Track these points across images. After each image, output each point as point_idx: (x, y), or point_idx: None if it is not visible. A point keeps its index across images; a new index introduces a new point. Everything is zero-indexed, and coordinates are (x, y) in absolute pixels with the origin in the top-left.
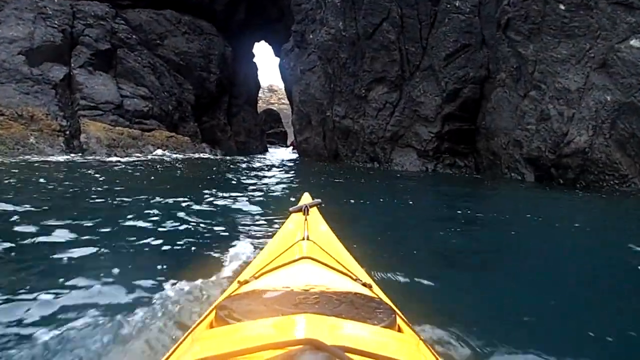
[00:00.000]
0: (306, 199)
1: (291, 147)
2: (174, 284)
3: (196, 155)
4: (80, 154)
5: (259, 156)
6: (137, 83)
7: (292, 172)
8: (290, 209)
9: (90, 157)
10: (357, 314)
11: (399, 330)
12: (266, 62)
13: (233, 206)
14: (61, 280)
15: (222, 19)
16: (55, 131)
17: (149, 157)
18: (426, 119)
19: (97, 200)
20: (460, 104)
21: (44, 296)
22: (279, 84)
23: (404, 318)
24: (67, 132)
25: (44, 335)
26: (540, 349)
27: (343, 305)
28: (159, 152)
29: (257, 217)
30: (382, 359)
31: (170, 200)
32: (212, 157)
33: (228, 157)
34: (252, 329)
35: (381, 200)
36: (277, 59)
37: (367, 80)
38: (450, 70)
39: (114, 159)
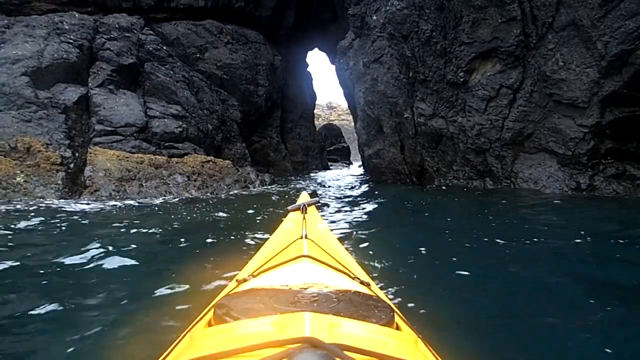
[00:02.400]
0: (304, 197)
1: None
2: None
3: (234, 192)
4: (76, 197)
5: (314, 175)
6: (169, 100)
7: (352, 207)
8: (289, 207)
9: (84, 202)
10: (356, 312)
11: (397, 328)
12: (323, 76)
13: None
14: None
15: (269, 25)
16: (54, 165)
17: (158, 200)
18: (572, 105)
19: None
20: (630, 76)
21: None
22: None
23: (402, 316)
24: (72, 165)
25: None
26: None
27: (341, 303)
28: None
29: None
30: (381, 356)
31: None
32: (252, 188)
33: (273, 187)
34: (251, 327)
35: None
36: (334, 68)
37: (467, 57)
38: (612, 23)
39: (113, 203)
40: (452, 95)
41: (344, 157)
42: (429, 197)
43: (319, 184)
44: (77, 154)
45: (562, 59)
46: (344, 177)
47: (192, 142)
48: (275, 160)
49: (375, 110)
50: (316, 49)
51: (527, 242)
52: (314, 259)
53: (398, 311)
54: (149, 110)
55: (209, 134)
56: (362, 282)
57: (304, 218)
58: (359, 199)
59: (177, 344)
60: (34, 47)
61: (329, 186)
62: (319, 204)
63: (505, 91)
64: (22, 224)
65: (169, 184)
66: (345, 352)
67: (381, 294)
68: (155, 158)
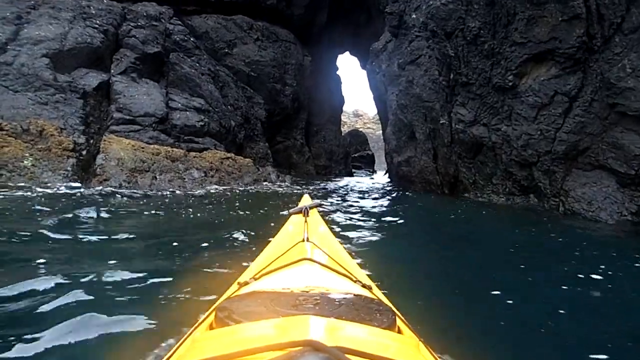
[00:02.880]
0: (306, 200)
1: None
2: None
3: (250, 189)
4: (86, 183)
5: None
6: (192, 93)
7: (377, 216)
8: (290, 210)
9: (97, 188)
10: (357, 315)
11: (399, 331)
12: (351, 83)
13: None
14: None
15: (301, 24)
16: (66, 150)
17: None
18: (639, 118)
19: None
20: None
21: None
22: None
23: (403, 319)
24: (84, 152)
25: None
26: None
27: (343, 306)
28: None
29: None
30: None
31: None
32: (272, 187)
33: (295, 188)
34: (252, 330)
35: None
36: (363, 75)
37: (518, 59)
38: None
39: (124, 191)
40: (497, 101)
41: (368, 165)
42: (463, 211)
43: (342, 188)
44: (91, 141)
45: (630, 65)
46: (369, 184)
47: (213, 137)
48: (298, 163)
49: (409, 114)
50: (347, 53)
51: (581, 287)
52: (315, 262)
53: (400, 314)
54: (170, 102)
55: (231, 131)
56: (363, 286)
57: (306, 221)
58: (384, 207)
59: (178, 347)
60: (57, 29)
61: (352, 190)
62: (321, 208)
63: (560, 98)
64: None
65: (184, 178)
66: (347, 356)
67: (383, 297)
68: (173, 151)
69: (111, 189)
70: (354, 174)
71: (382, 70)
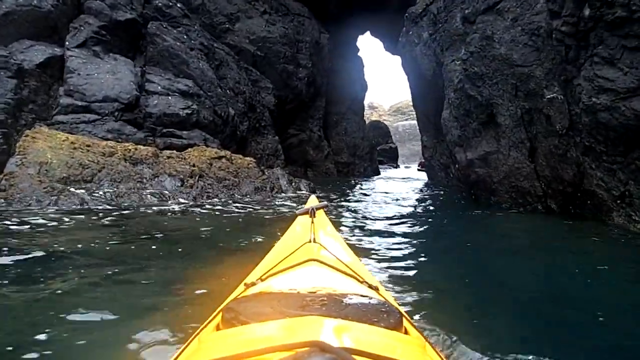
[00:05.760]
0: (313, 201)
1: (419, 166)
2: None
3: (243, 207)
4: None
5: (365, 187)
6: (178, 73)
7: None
8: (297, 211)
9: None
10: (364, 316)
11: (406, 332)
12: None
13: None
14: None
15: None
16: None
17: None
18: None
19: None
20: None
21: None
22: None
23: (410, 320)
24: None
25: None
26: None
27: (350, 307)
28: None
29: None
30: None
31: None
32: (283, 200)
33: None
34: (259, 331)
35: None
36: (385, 61)
37: None
38: None
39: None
40: None
41: (391, 160)
42: (617, 254)
43: (378, 200)
44: (12, 138)
45: None
46: (410, 189)
47: (204, 129)
48: (316, 160)
49: (485, 88)
50: (368, 33)
51: None
52: (322, 262)
53: (406, 315)
54: (147, 84)
55: (229, 121)
56: (370, 286)
57: (313, 222)
58: (460, 245)
59: (185, 348)
60: None
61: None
62: (328, 208)
63: None
64: None
65: (147, 188)
66: (354, 356)
67: (390, 298)
68: (136, 150)
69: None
70: (380, 171)
71: (422, 41)
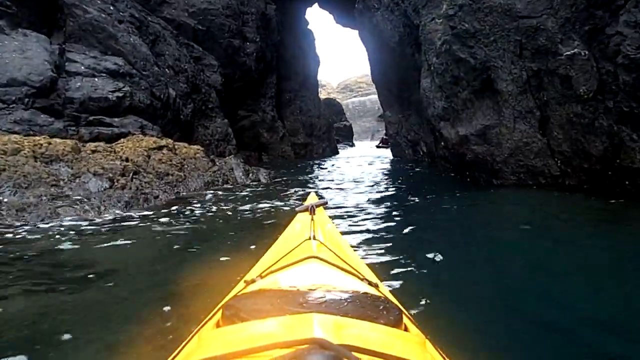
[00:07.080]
0: (312, 198)
1: (380, 143)
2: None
3: (190, 210)
4: None
5: (327, 165)
6: (105, 50)
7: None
8: (297, 208)
9: None
10: (364, 313)
11: (406, 329)
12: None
13: None
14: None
15: None
16: None
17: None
18: None
19: None
20: None
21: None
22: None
23: (410, 317)
24: None
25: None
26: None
27: (349, 304)
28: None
29: None
30: (389, 357)
31: None
32: (242, 193)
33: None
34: (259, 328)
35: None
36: (333, 36)
37: None
38: None
39: None
40: None
41: (347, 138)
42: None
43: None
44: None
45: None
46: (386, 171)
47: (140, 115)
48: (270, 143)
49: (479, 48)
50: (316, 5)
51: None
52: (322, 260)
53: (406, 312)
54: (68, 63)
55: (170, 104)
56: (370, 283)
57: (312, 219)
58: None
59: (185, 345)
60: None
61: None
62: (328, 205)
63: None
64: None
65: (66, 196)
66: (353, 353)
67: (389, 295)
68: (49, 144)
69: None
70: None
71: (386, 3)
